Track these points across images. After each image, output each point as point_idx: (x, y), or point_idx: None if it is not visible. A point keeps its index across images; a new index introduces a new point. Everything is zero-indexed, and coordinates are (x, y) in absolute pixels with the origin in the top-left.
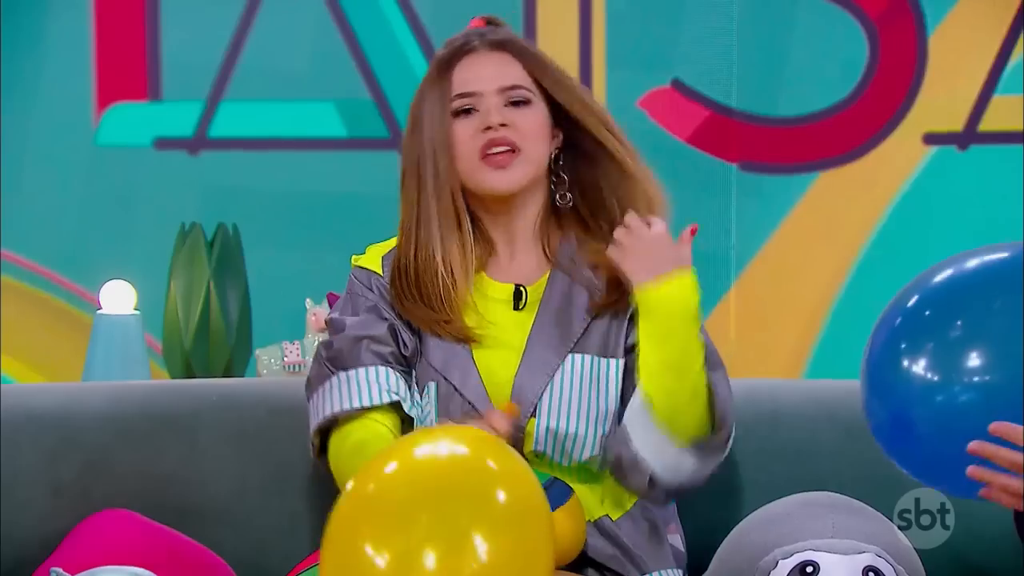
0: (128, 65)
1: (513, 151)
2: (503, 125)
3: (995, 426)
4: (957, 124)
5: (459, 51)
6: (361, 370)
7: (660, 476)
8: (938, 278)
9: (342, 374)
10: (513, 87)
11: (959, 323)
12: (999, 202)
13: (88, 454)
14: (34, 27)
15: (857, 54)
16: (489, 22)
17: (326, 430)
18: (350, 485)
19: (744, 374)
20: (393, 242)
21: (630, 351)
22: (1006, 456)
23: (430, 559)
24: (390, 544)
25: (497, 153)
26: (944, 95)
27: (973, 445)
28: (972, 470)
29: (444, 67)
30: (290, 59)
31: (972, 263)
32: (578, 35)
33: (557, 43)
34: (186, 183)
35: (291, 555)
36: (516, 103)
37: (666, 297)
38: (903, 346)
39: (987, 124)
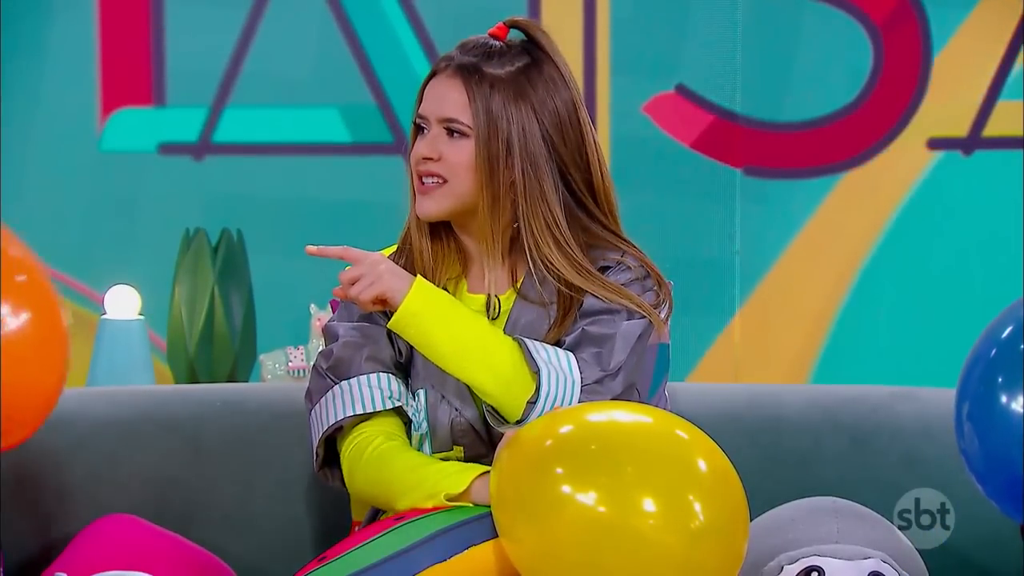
0: (132, 70)
1: (442, 182)
2: (429, 159)
3: None
4: (961, 129)
5: (435, 68)
6: (362, 377)
7: None
8: None
9: (344, 383)
10: (449, 120)
11: None
12: (1003, 207)
13: (93, 459)
14: (38, 32)
15: (862, 59)
16: (512, 25)
17: (330, 442)
18: (514, 441)
19: (749, 380)
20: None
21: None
22: None
23: (648, 504)
24: (597, 484)
25: (426, 183)
26: (948, 100)
27: None
28: None
29: (426, 80)
30: (294, 65)
31: None
32: (582, 40)
33: (561, 48)
34: (190, 189)
35: (295, 559)
36: (451, 133)
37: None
38: (1000, 380)
39: (991, 129)
